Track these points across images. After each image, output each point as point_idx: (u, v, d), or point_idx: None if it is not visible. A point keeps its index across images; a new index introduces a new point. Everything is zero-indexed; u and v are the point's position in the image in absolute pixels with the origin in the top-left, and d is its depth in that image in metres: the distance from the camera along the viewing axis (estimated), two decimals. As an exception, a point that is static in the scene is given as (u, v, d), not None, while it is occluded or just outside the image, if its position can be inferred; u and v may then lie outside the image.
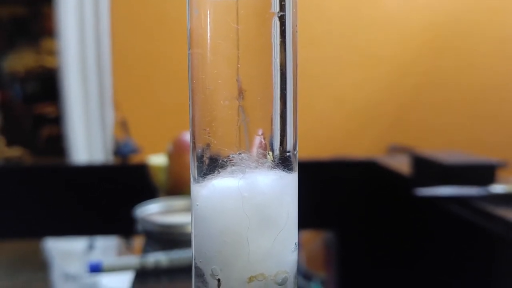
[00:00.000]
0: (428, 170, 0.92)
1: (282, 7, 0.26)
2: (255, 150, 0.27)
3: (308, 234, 1.95)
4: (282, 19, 0.26)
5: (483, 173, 0.83)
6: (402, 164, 1.09)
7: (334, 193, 1.17)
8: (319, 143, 2.09)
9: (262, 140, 0.27)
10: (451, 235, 0.86)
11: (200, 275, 0.29)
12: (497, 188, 0.78)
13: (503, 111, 2.18)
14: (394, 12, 2.14)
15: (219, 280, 0.28)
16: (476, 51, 2.17)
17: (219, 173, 0.28)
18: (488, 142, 2.10)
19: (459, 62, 2.17)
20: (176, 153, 0.86)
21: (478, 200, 0.76)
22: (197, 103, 0.28)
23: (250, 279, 0.28)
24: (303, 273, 1.82)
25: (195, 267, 0.29)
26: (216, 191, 0.28)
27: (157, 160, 0.94)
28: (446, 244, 0.88)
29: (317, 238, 1.95)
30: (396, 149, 2.04)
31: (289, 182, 0.28)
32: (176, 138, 0.88)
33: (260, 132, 0.27)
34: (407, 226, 1.03)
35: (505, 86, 2.17)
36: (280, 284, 0.28)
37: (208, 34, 0.26)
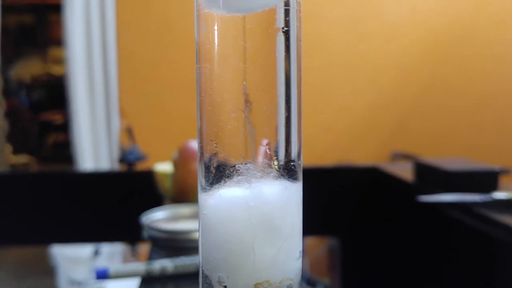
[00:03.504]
0: (431, 177, 0.92)
1: (287, 23, 0.27)
2: (260, 160, 0.28)
3: (311, 240, 1.95)
4: (286, 34, 0.27)
5: (485, 180, 0.83)
6: (405, 171, 1.09)
7: (337, 200, 1.18)
8: (322, 150, 2.09)
9: (268, 150, 0.28)
10: (454, 242, 0.86)
11: (207, 282, 0.29)
12: (500, 194, 0.78)
13: (505, 118, 2.17)
14: (396, 21, 2.15)
15: (225, 287, 0.29)
16: (477, 58, 2.17)
17: (225, 182, 0.29)
18: (491, 149, 2.10)
19: (461, 69, 2.17)
20: (182, 160, 0.86)
21: (481, 207, 0.77)
22: (204, 115, 0.29)
23: (256, 286, 0.28)
24: (307, 279, 1.82)
25: (202, 274, 0.30)
26: (223, 200, 0.29)
27: (163, 167, 0.94)
28: (449, 250, 0.88)
29: (320, 244, 1.95)
30: (399, 156, 2.04)
31: (293, 191, 0.29)
32: (182, 145, 0.89)
33: (265, 142, 0.28)
34: (410, 233, 1.04)
35: (507, 93, 2.17)
36: (285, 291, 0.29)
37: (216, 49, 0.27)
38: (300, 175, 0.30)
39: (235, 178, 0.28)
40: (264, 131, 0.28)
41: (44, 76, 3.75)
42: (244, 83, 0.27)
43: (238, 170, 0.28)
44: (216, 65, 0.28)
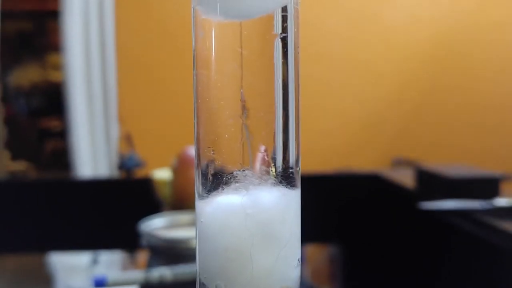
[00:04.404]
0: (432, 183, 0.92)
1: (285, 29, 0.27)
2: (258, 166, 0.28)
3: (312, 248, 1.94)
4: (284, 41, 0.27)
5: (487, 187, 0.83)
6: (406, 178, 1.09)
7: (338, 207, 1.17)
8: (323, 156, 2.09)
9: (265, 157, 0.28)
10: (455, 249, 0.86)
11: (205, 290, 0.29)
12: (501, 201, 0.78)
13: (507, 124, 2.17)
14: (396, 27, 2.16)
15: (223, 295, 0.28)
16: (479, 63, 2.17)
17: (223, 189, 0.28)
18: (492, 155, 2.10)
19: (462, 75, 2.18)
20: (181, 167, 0.86)
21: (482, 214, 0.76)
22: (201, 122, 0.29)
23: (254, 295, 0.28)
24: None
25: (200, 283, 0.30)
26: (220, 207, 0.28)
27: (162, 174, 0.94)
28: (450, 257, 0.88)
29: (321, 252, 1.94)
30: (400, 163, 2.04)
31: (291, 198, 0.29)
32: (181, 152, 0.89)
33: (263, 149, 0.28)
34: (412, 240, 1.03)
35: (508, 99, 2.17)
36: (283, 300, 0.29)
37: (213, 55, 0.27)
38: (298, 182, 0.29)
39: (232, 185, 0.28)
40: (262, 137, 0.28)
41: (43, 82, 3.76)
42: (241, 90, 0.27)
43: (236, 177, 0.28)
44: (213, 71, 0.27)
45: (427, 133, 2.18)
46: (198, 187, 0.29)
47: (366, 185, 1.19)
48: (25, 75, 3.78)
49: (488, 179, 0.84)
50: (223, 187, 0.28)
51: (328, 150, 2.14)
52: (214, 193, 0.28)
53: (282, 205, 0.28)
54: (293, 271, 0.29)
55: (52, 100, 3.40)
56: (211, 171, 0.28)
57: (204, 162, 0.29)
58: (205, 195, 0.29)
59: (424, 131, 2.18)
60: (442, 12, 2.16)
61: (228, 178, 0.28)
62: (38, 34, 3.82)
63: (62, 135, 2.32)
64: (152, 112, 2.08)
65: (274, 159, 0.28)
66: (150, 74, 2.08)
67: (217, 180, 0.28)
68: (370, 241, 1.16)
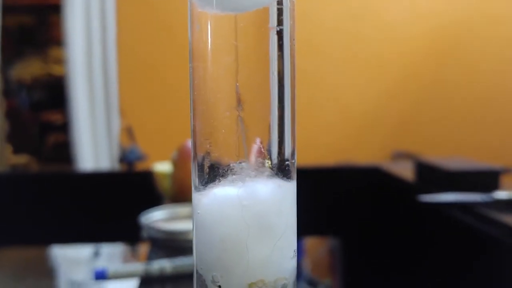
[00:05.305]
0: (432, 176, 0.92)
1: (280, 22, 0.27)
2: (254, 159, 0.28)
3: (312, 241, 1.95)
4: (280, 33, 0.27)
5: (487, 179, 0.83)
6: (406, 171, 1.09)
7: (338, 200, 1.18)
8: (323, 150, 2.09)
9: (262, 149, 0.28)
10: (455, 242, 0.86)
11: (201, 281, 0.29)
12: (501, 194, 0.78)
13: (507, 117, 2.17)
14: (396, 19, 2.15)
15: (219, 286, 0.29)
16: (479, 57, 2.17)
17: (219, 181, 0.28)
18: (492, 148, 2.10)
19: (462, 68, 2.17)
20: (181, 160, 0.86)
21: (482, 206, 0.77)
22: (198, 114, 0.29)
23: (250, 286, 0.28)
24: (308, 280, 1.82)
25: (197, 274, 0.30)
26: (216, 199, 0.29)
27: (163, 167, 0.94)
28: (450, 250, 0.88)
29: (321, 245, 1.95)
30: (400, 155, 2.04)
31: (287, 190, 0.29)
32: (181, 145, 0.89)
33: (258, 141, 0.28)
34: (411, 233, 1.03)
35: (509, 92, 2.17)
36: (279, 290, 0.29)
37: (209, 48, 0.27)
38: (294, 174, 0.30)
39: (229, 177, 0.28)
40: (258, 130, 0.28)
41: (44, 76, 3.76)
42: (238, 78, 0.27)
43: (232, 169, 0.28)
44: (209, 64, 0.28)
45: (427, 126, 2.18)
46: (194, 179, 0.29)
47: (366, 178, 1.19)
48: (27, 69, 3.78)
49: (488, 172, 0.84)
50: (219, 179, 0.28)
51: (328, 144, 2.14)
52: (211, 185, 0.29)
53: (278, 197, 0.29)
54: (289, 262, 0.29)
55: (54, 93, 3.41)
56: (207, 163, 0.29)
57: (200, 154, 0.29)
58: (202, 187, 0.29)
59: (423, 124, 2.18)
60: (442, 6, 2.15)
61: (225, 170, 0.28)
62: (40, 28, 3.81)
63: (63, 128, 2.33)
64: (153, 105, 2.08)
65: (269, 152, 0.28)
66: (151, 67, 2.08)
67: (213, 172, 0.28)
68: (370, 233, 1.17)
